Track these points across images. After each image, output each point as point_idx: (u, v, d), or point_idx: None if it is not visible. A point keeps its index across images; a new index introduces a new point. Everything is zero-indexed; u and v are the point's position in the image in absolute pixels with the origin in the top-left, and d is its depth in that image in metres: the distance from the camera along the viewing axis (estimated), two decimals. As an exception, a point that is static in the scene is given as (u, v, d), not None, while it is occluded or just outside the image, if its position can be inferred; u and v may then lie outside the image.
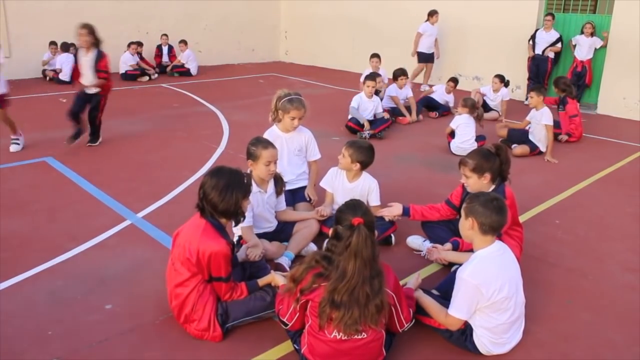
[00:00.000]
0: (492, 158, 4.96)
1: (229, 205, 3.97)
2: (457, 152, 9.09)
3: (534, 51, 13.69)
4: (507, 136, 9.61)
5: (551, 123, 9.06)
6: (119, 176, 7.66)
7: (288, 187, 5.90)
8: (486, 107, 11.98)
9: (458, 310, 3.82)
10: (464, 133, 9.15)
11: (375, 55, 12.52)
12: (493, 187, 5.00)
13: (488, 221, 3.81)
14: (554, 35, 13.46)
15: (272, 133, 6.04)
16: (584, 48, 13.21)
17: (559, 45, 13.47)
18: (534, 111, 9.31)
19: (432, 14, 14.40)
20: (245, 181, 4.11)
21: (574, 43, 13.42)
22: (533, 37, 13.68)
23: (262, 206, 5.25)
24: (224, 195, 3.94)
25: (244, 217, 4.25)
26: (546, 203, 7.08)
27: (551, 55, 13.48)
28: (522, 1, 13.99)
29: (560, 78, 10.50)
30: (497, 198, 3.92)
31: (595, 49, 13.13)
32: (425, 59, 14.86)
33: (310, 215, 5.60)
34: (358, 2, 17.98)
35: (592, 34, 13.04)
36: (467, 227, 3.90)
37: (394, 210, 5.52)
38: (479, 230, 3.84)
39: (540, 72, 13.61)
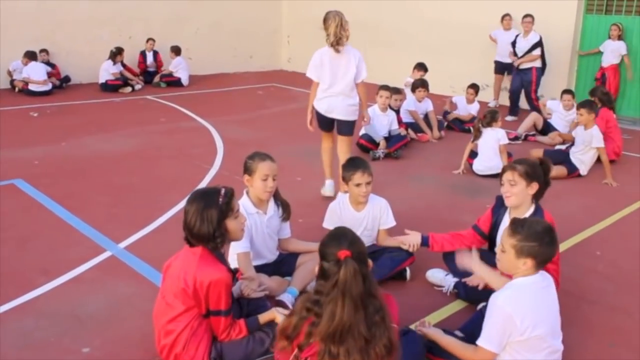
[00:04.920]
0: (541, 169, 5.03)
1: (203, 230, 3.99)
2: (481, 172, 9.19)
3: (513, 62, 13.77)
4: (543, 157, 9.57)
5: (602, 145, 9.10)
6: (97, 201, 7.72)
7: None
8: (549, 129, 11.59)
9: (489, 341, 3.80)
10: (487, 150, 9.22)
11: (421, 67, 12.71)
12: (532, 208, 5.04)
13: (545, 257, 3.87)
14: (530, 40, 13.28)
15: None
16: (606, 53, 13.34)
17: (535, 52, 13.20)
18: (581, 130, 9.36)
19: (502, 17, 14.36)
20: (221, 198, 4.09)
21: (601, 49, 13.52)
22: (514, 44, 13.70)
23: (260, 230, 5.29)
24: (195, 220, 3.99)
25: (222, 241, 4.14)
26: (585, 232, 7.11)
27: (536, 64, 13.28)
28: (557, 1, 14.05)
29: (597, 87, 10.51)
30: (551, 229, 3.93)
31: (622, 55, 13.20)
32: (498, 68, 14.73)
33: (317, 248, 5.56)
34: (370, 3, 18.11)
35: (619, 37, 13.10)
36: (522, 267, 3.88)
37: (411, 239, 5.52)
38: (535, 268, 3.88)
39: (524, 84, 13.47)
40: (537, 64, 13.32)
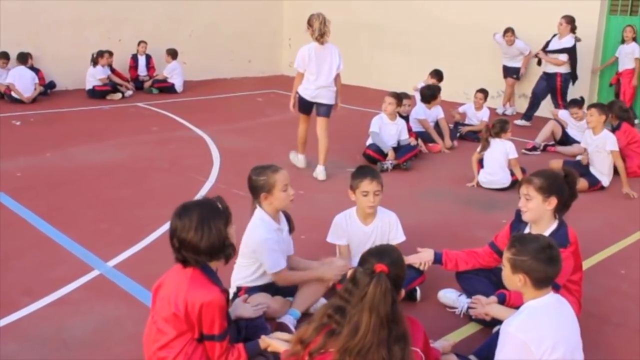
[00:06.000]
0: (562, 181, 5.03)
1: (211, 240, 3.96)
2: (485, 185, 9.25)
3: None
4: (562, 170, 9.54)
5: (617, 149, 9.12)
6: (84, 216, 7.75)
7: None
8: (568, 139, 11.65)
9: None
10: (492, 162, 9.25)
11: (436, 74, 12.87)
12: (554, 224, 5.04)
13: (542, 276, 3.87)
14: (563, 44, 13.39)
15: None
16: (621, 57, 13.48)
17: (561, 57, 13.35)
18: (592, 135, 9.39)
19: (504, 32, 14.77)
20: (220, 205, 4.11)
21: (617, 54, 13.66)
22: (548, 43, 13.81)
23: (282, 247, 5.33)
24: (201, 232, 3.94)
25: (234, 249, 4.20)
26: (609, 249, 7.13)
27: (561, 70, 13.41)
28: (578, 1, 14.04)
29: (615, 102, 10.50)
30: (549, 245, 3.96)
31: (635, 58, 13.29)
32: (504, 73, 15.30)
33: (315, 276, 5.44)
34: (376, 3, 18.15)
35: (634, 39, 13.14)
36: (517, 283, 3.93)
37: (424, 256, 5.52)
38: (533, 287, 3.89)
39: (550, 91, 13.66)
40: (563, 69, 13.40)
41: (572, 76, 13.53)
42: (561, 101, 13.45)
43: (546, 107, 13.96)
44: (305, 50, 9.38)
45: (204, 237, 3.94)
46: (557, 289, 4.44)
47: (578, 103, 11.58)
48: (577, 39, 13.34)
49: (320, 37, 9.25)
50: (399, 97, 10.61)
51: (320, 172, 9.63)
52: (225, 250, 4.08)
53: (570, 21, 13.29)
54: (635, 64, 13.36)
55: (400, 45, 17.78)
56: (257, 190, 5.22)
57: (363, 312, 3.42)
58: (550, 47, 13.54)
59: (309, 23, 9.40)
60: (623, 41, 13.59)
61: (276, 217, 5.34)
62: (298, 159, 10.14)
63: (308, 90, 9.47)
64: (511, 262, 3.95)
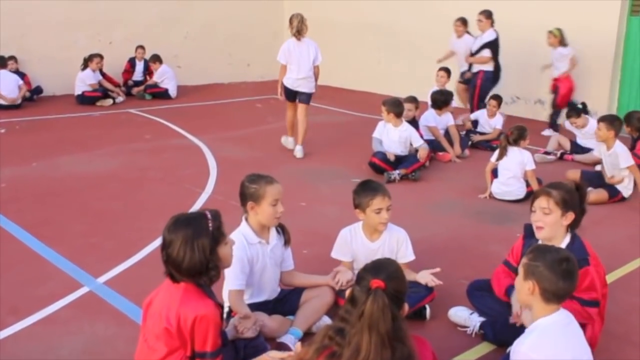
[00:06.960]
0: (577, 196, 5.02)
1: (193, 262, 3.92)
2: (498, 196, 9.24)
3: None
4: (580, 180, 9.50)
5: (632, 162, 9.11)
6: (73, 229, 7.77)
7: None
8: (578, 149, 11.64)
9: None
10: (507, 172, 9.22)
11: (443, 70, 13.02)
12: (567, 238, 5.04)
13: (553, 288, 3.86)
14: (485, 38, 13.39)
15: None
16: (555, 63, 13.49)
17: (484, 53, 13.33)
18: (605, 150, 9.40)
19: (455, 21, 14.50)
20: (210, 222, 4.05)
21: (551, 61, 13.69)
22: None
23: (262, 262, 5.30)
24: (184, 252, 3.91)
25: (217, 273, 4.14)
26: (630, 264, 7.11)
27: (485, 67, 13.42)
28: (597, 2, 14.01)
29: (634, 113, 10.45)
30: (567, 259, 3.95)
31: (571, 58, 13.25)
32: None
33: (325, 282, 5.59)
34: (385, 3, 18.13)
35: (560, 43, 13.18)
36: (526, 291, 3.94)
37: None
38: (541, 297, 3.89)
39: (471, 90, 13.71)
40: (487, 67, 13.44)
41: (495, 75, 13.53)
42: (476, 102, 13.52)
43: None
44: (285, 45, 11.45)
45: (185, 258, 3.90)
46: (596, 306, 4.51)
47: (577, 111, 11.62)
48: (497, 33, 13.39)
49: (297, 33, 11.25)
50: (391, 104, 10.49)
51: (298, 151, 11.59)
52: (209, 273, 4.03)
53: (488, 15, 13.31)
54: (570, 63, 13.31)
55: (409, 48, 17.77)
56: (245, 197, 5.21)
57: (363, 332, 3.43)
58: (474, 49, 13.53)
59: (290, 21, 11.39)
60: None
61: (262, 230, 5.32)
62: (288, 141, 11.94)
63: (290, 80, 11.42)
64: (525, 268, 3.97)
